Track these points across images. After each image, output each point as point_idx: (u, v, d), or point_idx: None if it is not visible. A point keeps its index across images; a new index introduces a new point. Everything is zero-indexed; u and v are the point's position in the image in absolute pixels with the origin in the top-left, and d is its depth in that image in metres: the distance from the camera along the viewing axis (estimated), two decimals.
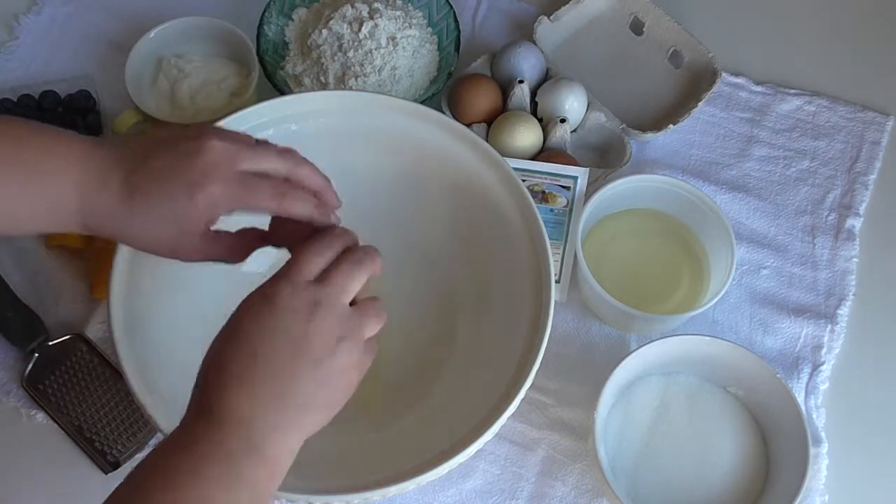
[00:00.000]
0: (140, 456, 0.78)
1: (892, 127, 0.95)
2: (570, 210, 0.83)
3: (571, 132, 0.89)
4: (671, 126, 0.89)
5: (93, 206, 0.57)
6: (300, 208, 0.58)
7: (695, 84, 0.94)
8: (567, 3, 0.96)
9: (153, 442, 0.78)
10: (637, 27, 0.97)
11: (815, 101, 0.95)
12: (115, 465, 0.77)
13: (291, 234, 0.59)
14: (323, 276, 0.55)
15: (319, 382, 0.53)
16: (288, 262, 0.55)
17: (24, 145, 0.57)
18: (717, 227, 0.82)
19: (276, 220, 0.61)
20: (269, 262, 0.65)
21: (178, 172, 0.56)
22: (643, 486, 0.76)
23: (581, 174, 0.85)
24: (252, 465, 0.51)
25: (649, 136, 0.89)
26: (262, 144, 0.59)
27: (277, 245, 0.61)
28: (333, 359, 0.53)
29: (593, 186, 0.85)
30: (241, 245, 0.61)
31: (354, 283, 0.56)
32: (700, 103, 0.90)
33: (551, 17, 0.95)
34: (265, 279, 0.55)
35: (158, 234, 0.57)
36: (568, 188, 0.84)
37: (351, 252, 0.57)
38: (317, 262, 0.55)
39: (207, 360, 0.53)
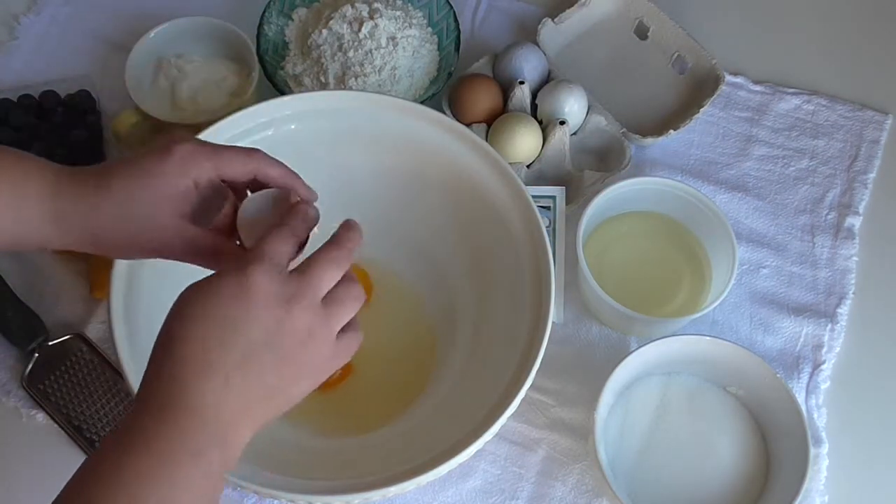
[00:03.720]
0: None
1: (891, 125, 0.95)
2: (554, 230, 0.83)
3: (571, 135, 0.89)
4: (671, 132, 0.89)
5: (67, 190, 0.55)
6: (276, 170, 0.57)
7: (697, 89, 0.94)
8: (572, 5, 0.96)
9: None
10: (642, 31, 0.97)
11: (813, 100, 0.95)
12: None
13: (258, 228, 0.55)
14: (301, 266, 0.52)
15: (283, 377, 0.50)
16: (259, 245, 0.51)
17: None
18: (717, 228, 0.82)
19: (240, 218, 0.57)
20: None
21: (152, 146, 0.56)
22: (643, 486, 0.76)
23: (558, 193, 0.85)
24: (217, 462, 0.48)
25: (649, 140, 0.89)
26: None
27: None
28: (302, 355, 0.51)
29: (593, 189, 0.85)
30: (213, 243, 0.57)
31: (332, 275, 0.52)
32: (701, 109, 0.90)
33: (555, 20, 0.95)
34: None
35: (132, 212, 0.55)
36: (548, 208, 0.84)
37: (332, 244, 0.53)
38: (287, 248, 0.52)
39: (167, 341, 0.49)
